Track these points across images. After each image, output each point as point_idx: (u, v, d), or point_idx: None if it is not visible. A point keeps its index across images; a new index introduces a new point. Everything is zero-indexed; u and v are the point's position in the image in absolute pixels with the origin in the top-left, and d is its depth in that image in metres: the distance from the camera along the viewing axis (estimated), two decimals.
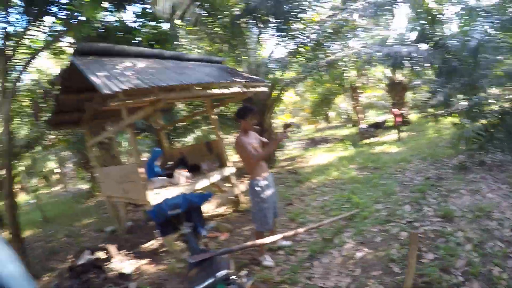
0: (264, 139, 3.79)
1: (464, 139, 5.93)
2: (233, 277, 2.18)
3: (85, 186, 19.26)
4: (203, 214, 3.24)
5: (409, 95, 19.26)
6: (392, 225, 3.89)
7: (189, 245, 2.94)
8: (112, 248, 4.79)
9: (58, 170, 27.07)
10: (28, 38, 7.57)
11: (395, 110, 11.69)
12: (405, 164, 6.85)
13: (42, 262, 5.83)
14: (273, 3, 6.34)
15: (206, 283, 1.99)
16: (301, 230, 3.76)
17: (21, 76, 6.40)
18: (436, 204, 4.24)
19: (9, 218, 4.96)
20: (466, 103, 6.75)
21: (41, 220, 10.54)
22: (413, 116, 16.33)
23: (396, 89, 15.82)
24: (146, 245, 5.48)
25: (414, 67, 6.58)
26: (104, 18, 9.15)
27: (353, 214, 4.45)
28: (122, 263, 4.63)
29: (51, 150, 14.26)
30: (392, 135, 12.26)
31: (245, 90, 5.91)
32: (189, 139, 16.79)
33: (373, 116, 26.44)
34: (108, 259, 4.48)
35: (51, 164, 24.75)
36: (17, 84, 5.50)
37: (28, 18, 6.08)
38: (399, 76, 15.30)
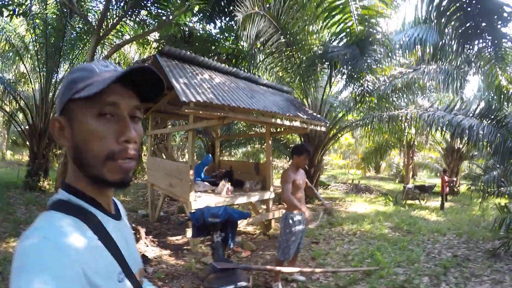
0: (308, 183, 4.12)
1: (505, 225, 5.83)
2: None
3: None
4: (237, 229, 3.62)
5: (464, 164, 18.59)
6: None
7: (216, 252, 3.31)
8: (142, 230, 5.31)
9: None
10: (122, 25, 8.50)
11: (445, 178, 11.44)
12: (438, 236, 6.79)
13: None
14: (350, 57, 6.65)
15: (226, 287, 2.35)
16: (319, 270, 4.05)
17: (109, 57, 7.18)
18: (454, 284, 4.28)
19: (61, 172, 5.53)
20: None
21: None
22: (463, 187, 15.72)
23: (452, 156, 15.44)
24: (172, 238, 5.94)
25: (473, 139, 6.59)
26: (191, 23, 9.99)
27: (371, 270, 4.61)
28: (146, 246, 5.12)
29: None
30: (436, 202, 11.98)
31: (305, 126, 6.27)
32: (238, 151, 17.40)
33: (423, 177, 25.64)
34: (136, 240, 4.97)
35: None
36: None
37: (123, 6, 6.80)
38: (458, 143, 14.93)
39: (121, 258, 0.72)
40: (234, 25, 8.32)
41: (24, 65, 9.86)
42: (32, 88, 9.93)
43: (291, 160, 4.01)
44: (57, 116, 0.72)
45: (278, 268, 3.74)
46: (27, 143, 9.79)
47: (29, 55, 9.95)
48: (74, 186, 0.72)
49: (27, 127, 9.55)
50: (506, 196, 6.85)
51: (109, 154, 0.67)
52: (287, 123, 6.12)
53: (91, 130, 0.66)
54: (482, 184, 7.27)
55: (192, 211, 4.44)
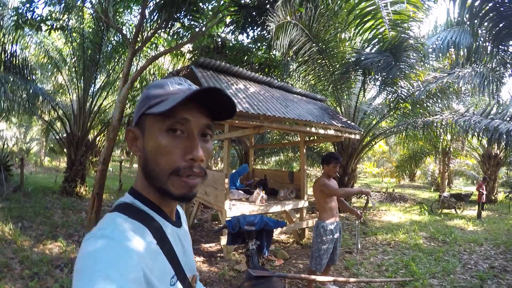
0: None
1: None
2: None
3: None
4: (272, 238, 3.66)
5: (502, 171, 17.85)
6: None
7: (251, 259, 3.37)
8: None
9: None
10: (156, 37, 8.76)
11: (482, 185, 11.05)
12: (475, 246, 6.57)
13: None
14: (384, 64, 6.60)
15: None
16: (353, 279, 4.03)
17: (145, 69, 7.39)
18: None
19: (98, 179, 5.76)
20: None
21: (117, 189, 11.69)
22: (501, 195, 15.10)
23: (489, 162, 14.88)
24: (206, 245, 6.03)
25: (511, 145, 6.37)
26: (223, 34, 10.16)
27: (406, 281, 4.52)
28: None
29: None
30: (473, 211, 11.57)
31: (339, 134, 6.27)
32: (271, 160, 17.44)
33: (460, 185, 24.78)
34: None
35: None
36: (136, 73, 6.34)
37: (158, 19, 7.01)
38: (495, 149, 14.39)
39: (177, 263, 0.75)
40: (266, 34, 8.41)
41: (62, 76, 10.32)
42: (70, 99, 10.35)
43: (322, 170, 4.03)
44: (132, 127, 0.77)
45: (312, 276, 3.75)
46: (65, 150, 10.19)
47: (67, 67, 10.43)
48: (140, 192, 0.77)
49: (64, 135, 9.97)
50: None
51: (174, 170, 0.70)
52: (321, 131, 6.14)
53: (160, 145, 0.70)
54: None
55: (228, 219, 4.54)
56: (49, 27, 6.42)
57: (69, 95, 10.31)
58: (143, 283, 0.61)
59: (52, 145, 20.40)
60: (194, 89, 0.67)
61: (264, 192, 6.04)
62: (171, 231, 0.79)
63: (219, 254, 5.44)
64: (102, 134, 11.09)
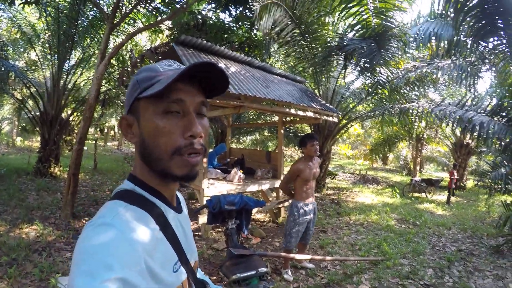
0: (318, 171, 4.17)
1: (509, 222, 5.89)
2: (267, 276, 2.63)
3: None
4: (251, 217, 3.72)
5: (472, 160, 18.56)
6: (410, 282, 4.11)
7: (231, 238, 3.43)
8: None
9: (116, 129, 29.09)
10: (134, 13, 8.51)
11: (454, 173, 11.49)
12: (444, 229, 6.88)
13: (85, 206, 6.54)
14: (367, 50, 6.66)
15: (248, 273, 2.45)
16: (329, 258, 4.17)
17: (123, 45, 7.19)
18: (458, 277, 4.39)
19: (74, 159, 5.65)
20: None
21: (91, 169, 11.52)
22: (470, 182, 15.75)
23: (461, 151, 15.43)
24: None
25: (483, 136, 6.62)
26: (204, 11, 9.99)
27: (378, 260, 4.71)
28: None
29: (119, 110, 15.49)
30: (443, 196, 12.03)
31: (318, 116, 6.35)
32: (246, 139, 17.49)
33: (430, 170, 25.63)
34: None
35: (113, 121, 26.39)
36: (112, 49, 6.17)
37: None
38: (467, 139, 14.92)
39: (179, 249, 0.76)
40: (248, 13, 8.31)
41: (36, 52, 9.91)
42: (44, 76, 9.96)
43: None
44: (125, 115, 0.76)
45: (291, 255, 3.86)
46: (38, 129, 9.87)
47: (40, 43, 10.02)
48: (140, 178, 0.76)
49: (38, 113, 9.62)
50: None
51: (176, 149, 0.69)
52: (300, 113, 6.20)
53: (158, 127, 0.69)
54: (490, 180, 7.31)
55: (207, 198, 4.57)
56: (23, 0, 6.14)
57: (43, 72, 9.90)
58: (145, 271, 0.61)
59: (24, 124, 19.72)
60: (184, 68, 0.66)
61: (241, 171, 6.08)
62: (173, 216, 0.79)
63: (197, 233, 5.46)
64: (76, 113, 10.77)
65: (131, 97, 0.74)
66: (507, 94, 8.01)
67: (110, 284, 0.52)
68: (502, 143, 6.43)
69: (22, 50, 11.19)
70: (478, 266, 4.86)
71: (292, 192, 4.04)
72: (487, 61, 7.63)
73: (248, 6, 7.72)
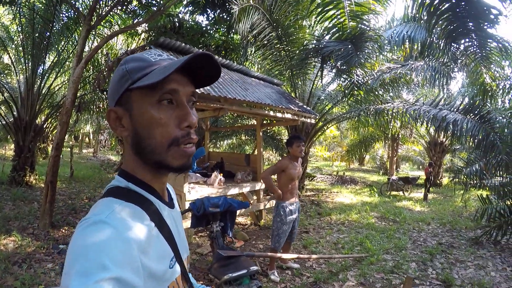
0: (301, 171, 4.24)
1: (486, 215, 6.12)
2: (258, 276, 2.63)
3: (114, 158, 20.20)
4: (235, 219, 3.72)
5: (447, 157, 19.11)
6: (394, 276, 4.22)
7: (216, 241, 3.41)
8: None
9: (92, 136, 28.47)
10: (111, 15, 8.38)
11: (429, 169, 11.83)
12: (423, 225, 7.07)
13: (63, 215, 6.36)
14: (344, 53, 6.78)
15: (239, 273, 2.44)
16: (314, 256, 4.21)
17: (100, 48, 7.06)
18: (440, 269, 4.54)
19: (52, 166, 5.49)
20: (498, 180, 6.91)
21: (67, 177, 11.20)
22: (446, 179, 16.23)
23: (435, 149, 15.89)
24: None
25: (457, 134, 6.83)
26: (181, 14, 9.94)
27: (362, 257, 4.80)
28: None
29: (94, 116, 15.16)
30: (420, 193, 12.34)
31: (296, 118, 6.42)
32: (223, 143, 17.44)
33: (406, 169, 26.24)
34: None
35: (88, 128, 25.76)
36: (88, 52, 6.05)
37: None
38: (441, 137, 15.38)
39: (174, 245, 0.75)
40: (226, 16, 8.31)
41: (9, 55, 9.62)
42: (17, 80, 9.66)
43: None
44: (113, 107, 0.73)
45: (278, 254, 3.88)
46: (10, 137, 9.54)
47: (13, 46, 9.73)
48: (130, 173, 0.74)
49: (11, 120, 9.31)
50: (487, 188, 7.15)
51: (173, 140, 0.68)
52: (279, 115, 6.25)
53: (153, 118, 0.67)
54: (465, 176, 7.56)
55: (189, 201, 4.52)
56: None
57: (16, 76, 9.61)
58: (140, 269, 0.60)
59: None
60: (184, 59, 0.65)
61: (221, 174, 6.07)
62: (167, 212, 0.78)
63: None
64: (51, 118, 10.46)
65: (121, 88, 0.71)
66: (478, 92, 8.32)
67: (105, 284, 0.51)
68: (475, 140, 6.66)
69: None
70: (459, 258, 5.04)
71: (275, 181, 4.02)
72: (459, 62, 7.91)
73: (226, 9, 7.71)
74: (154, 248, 0.66)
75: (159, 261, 0.67)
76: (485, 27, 5.06)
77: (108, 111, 0.73)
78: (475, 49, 6.09)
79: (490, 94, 8.08)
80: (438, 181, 15.54)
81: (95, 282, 0.50)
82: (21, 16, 8.14)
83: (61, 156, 5.90)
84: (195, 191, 5.33)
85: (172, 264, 0.72)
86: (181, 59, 0.67)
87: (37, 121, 9.68)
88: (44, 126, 10.28)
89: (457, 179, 7.90)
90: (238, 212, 5.51)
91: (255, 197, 6.70)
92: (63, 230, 5.42)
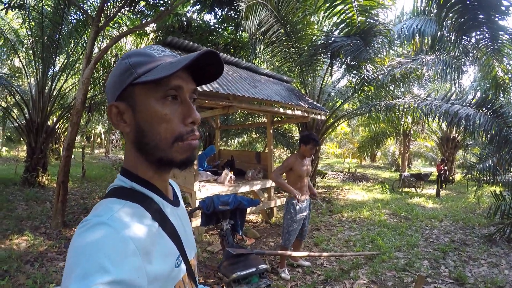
0: (310, 169, 4.21)
1: (500, 211, 6.01)
2: (267, 274, 2.62)
3: None
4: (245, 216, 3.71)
5: (459, 153, 18.86)
6: (406, 274, 4.16)
7: (226, 239, 3.40)
8: None
9: (103, 136, 28.80)
10: (119, 16, 8.44)
11: (441, 166, 11.69)
12: (435, 222, 6.97)
13: (75, 214, 6.45)
14: (354, 48, 6.72)
15: (248, 271, 2.43)
16: (325, 254, 4.18)
17: (109, 49, 7.12)
18: (453, 266, 4.46)
19: (63, 166, 5.57)
20: None
21: (80, 177, 11.36)
22: (458, 175, 16.02)
23: (447, 145, 15.67)
24: None
25: (469, 129, 6.73)
26: (189, 13, 9.96)
27: (373, 255, 4.74)
28: None
29: (105, 116, 15.27)
30: (432, 190, 12.19)
31: (306, 115, 6.38)
32: (234, 141, 17.49)
33: (418, 166, 25.96)
34: None
35: (100, 128, 26.06)
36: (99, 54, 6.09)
37: None
38: (453, 133, 15.17)
39: (180, 244, 0.74)
40: (233, 14, 8.30)
41: (19, 59, 9.75)
42: (28, 83, 9.78)
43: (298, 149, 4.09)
44: (114, 102, 0.71)
45: (288, 252, 3.86)
46: (23, 138, 9.69)
47: (24, 49, 9.86)
48: (133, 172, 0.73)
49: (23, 122, 9.45)
50: (501, 184, 7.01)
51: (177, 137, 0.68)
52: (289, 112, 6.23)
53: (158, 113, 0.67)
54: (478, 172, 7.43)
55: (199, 199, 4.53)
56: (6, 5, 6.03)
57: (27, 79, 9.73)
58: (144, 271, 0.59)
59: (9, 134, 19.33)
60: (194, 55, 0.65)
61: (232, 172, 6.07)
62: (171, 211, 0.77)
63: None
64: (62, 120, 10.60)
65: (123, 83, 0.70)
66: (491, 86, 8.17)
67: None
68: (488, 135, 6.54)
69: (5, 57, 10.97)
70: (472, 255, 4.94)
71: (284, 179, 3.98)
72: (470, 55, 7.77)
73: (233, 7, 7.70)
74: (157, 248, 0.65)
75: (164, 260, 0.66)
76: (497, 19, 4.97)
77: (109, 106, 0.72)
78: (486, 41, 5.99)
79: (502, 87, 7.93)
80: (450, 177, 15.32)
81: (94, 285, 0.49)
82: (30, 20, 8.27)
83: (72, 156, 5.97)
84: (206, 189, 5.34)
85: (178, 263, 0.71)
86: (189, 56, 0.66)
87: (48, 122, 9.83)
88: (56, 127, 10.42)
89: (470, 175, 7.77)
90: (248, 210, 5.52)
91: (266, 195, 6.70)
92: (75, 229, 5.46)
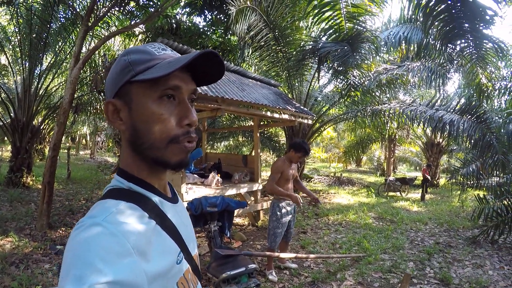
0: (298, 177, 4.26)
1: (483, 214, 6.15)
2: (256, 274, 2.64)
3: (111, 160, 20.15)
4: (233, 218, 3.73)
5: (444, 158, 19.18)
6: (392, 275, 4.24)
7: (214, 240, 3.42)
8: None
9: (88, 137, 28.48)
10: (108, 16, 8.38)
11: (427, 171, 11.91)
12: (420, 225, 7.09)
13: (61, 216, 6.34)
14: (341, 53, 6.81)
15: (237, 271, 2.45)
16: (312, 256, 4.22)
17: (98, 49, 7.05)
18: (438, 268, 4.55)
19: (49, 167, 5.49)
20: (495, 180, 6.95)
21: (65, 178, 11.21)
22: (443, 180, 16.30)
23: (432, 150, 15.94)
24: None
25: (453, 134, 6.87)
26: (179, 15, 9.95)
27: (360, 257, 4.81)
28: None
29: (91, 117, 15.13)
30: (417, 194, 12.38)
31: (293, 119, 6.43)
32: (220, 145, 17.46)
33: (403, 170, 26.31)
34: None
35: (85, 129, 25.69)
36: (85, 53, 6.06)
37: None
38: (438, 138, 15.45)
39: (180, 239, 0.73)
40: (223, 18, 8.34)
41: (6, 56, 9.60)
42: (14, 81, 9.62)
43: (287, 153, 4.12)
44: (111, 99, 0.70)
45: (276, 254, 3.89)
46: (7, 138, 9.51)
47: (11, 46, 9.71)
48: (129, 172, 0.72)
49: (8, 121, 9.29)
50: (484, 188, 7.18)
51: (172, 138, 0.67)
52: (276, 115, 6.27)
53: (154, 113, 0.66)
54: (462, 177, 7.60)
55: (188, 201, 4.52)
56: None
57: (13, 76, 9.57)
58: (142, 271, 0.58)
59: None
60: (193, 55, 0.64)
61: (219, 175, 6.07)
62: (169, 208, 0.75)
63: None
64: (48, 120, 10.45)
65: (121, 80, 0.68)
66: (474, 93, 8.37)
67: None
68: (472, 140, 6.71)
69: None
70: (457, 257, 5.06)
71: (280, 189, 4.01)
72: (455, 62, 7.96)
73: (223, 10, 7.74)
74: (155, 247, 0.64)
75: (163, 258, 0.66)
76: (481, 28, 5.11)
77: (106, 103, 0.71)
78: (471, 49, 6.14)
79: (486, 94, 8.14)
80: (435, 182, 15.59)
81: (90, 286, 0.49)
82: (19, 17, 8.14)
83: (58, 157, 5.89)
84: (193, 191, 5.33)
85: (179, 259, 0.71)
86: (188, 55, 0.65)
87: (34, 122, 9.66)
88: (41, 127, 10.27)
89: (454, 180, 7.95)
90: (235, 212, 5.54)
91: (252, 198, 6.71)
92: (61, 231, 5.40)
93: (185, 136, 0.68)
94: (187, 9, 8.94)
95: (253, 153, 7.04)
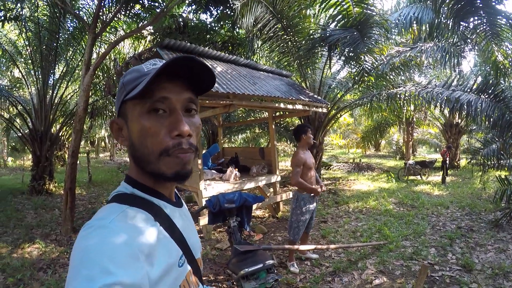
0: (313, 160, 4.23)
1: (506, 196, 5.99)
2: (274, 269, 2.66)
3: None
4: (251, 213, 3.75)
5: (464, 139, 18.77)
6: (414, 262, 4.19)
7: (233, 236, 3.45)
8: None
9: (107, 140, 28.98)
10: (115, 21, 8.47)
11: (447, 152, 11.68)
12: (442, 209, 6.97)
13: (84, 219, 6.46)
14: (350, 40, 6.70)
15: (255, 267, 2.47)
16: (333, 246, 4.21)
17: (108, 54, 7.13)
18: (460, 253, 4.47)
19: (69, 173, 5.62)
20: None
21: (86, 182, 11.45)
22: (463, 161, 15.97)
23: (451, 131, 15.61)
24: None
25: (472, 114, 6.70)
26: (185, 13, 9.95)
27: (380, 244, 4.77)
28: None
29: (108, 120, 15.36)
30: (438, 177, 12.17)
31: (307, 108, 6.39)
32: (238, 138, 17.53)
33: (423, 153, 25.88)
34: None
35: (103, 132, 26.11)
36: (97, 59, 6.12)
37: (117, 1, 6.80)
38: (456, 119, 15.11)
39: (183, 242, 0.76)
40: (229, 12, 8.30)
41: (19, 69, 9.82)
42: (29, 92, 9.84)
43: (297, 144, 4.09)
44: (115, 118, 0.77)
45: (295, 246, 3.89)
46: (27, 147, 9.77)
47: (22, 59, 9.92)
48: (135, 179, 0.75)
49: (27, 131, 9.51)
50: (506, 168, 6.99)
51: (163, 150, 0.68)
52: (289, 106, 6.24)
53: (144, 127, 0.68)
54: (482, 157, 7.41)
55: (206, 198, 4.57)
56: (2, 18, 6.07)
57: (28, 88, 9.80)
58: (146, 272, 0.60)
59: (14, 144, 19.46)
60: (163, 63, 0.66)
61: (236, 169, 6.10)
62: (173, 211, 0.78)
63: (199, 235, 5.44)
64: (65, 126, 10.67)
65: (119, 100, 0.74)
66: (491, 71, 8.13)
67: None
68: (491, 120, 6.52)
69: (4, 68, 11.05)
70: (479, 241, 4.94)
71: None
72: (469, 40, 7.74)
73: (228, 5, 7.69)
74: (159, 250, 0.66)
75: (166, 262, 0.67)
76: (493, 3, 4.95)
77: (111, 122, 0.77)
78: (484, 26, 5.97)
79: (503, 72, 7.89)
80: (455, 163, 15.29)
81: (100, 287, 0.50)
82: (27, 30, 8.30)
83: (78, 162, 6.02)
84: (211, 187, 5.38)
85: (181, 262, 0.73)
86: (160, 65, 0.68)
87: (52, 130, 9.88)
88: (60, 135, 10.49)
89: (474, 161, 7.76)
90: (255, 205, 5.57)
91: (271, 190, 6.73)
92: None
93: (175, 148, 0.68)
94: (193, 7, 8.91)
95: (269, 145, 7.03)
